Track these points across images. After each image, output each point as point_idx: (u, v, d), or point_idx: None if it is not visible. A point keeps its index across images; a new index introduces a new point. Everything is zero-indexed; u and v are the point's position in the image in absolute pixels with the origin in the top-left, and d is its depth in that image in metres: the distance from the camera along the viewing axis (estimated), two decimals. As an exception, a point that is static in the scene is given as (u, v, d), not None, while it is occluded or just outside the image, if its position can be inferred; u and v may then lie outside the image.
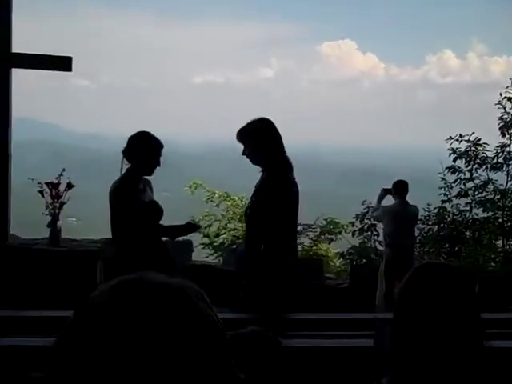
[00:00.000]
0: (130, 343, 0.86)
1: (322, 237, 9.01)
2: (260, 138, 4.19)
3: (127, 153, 4.40)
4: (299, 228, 8.66)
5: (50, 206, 6.38)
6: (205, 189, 9.55)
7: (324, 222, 9.12)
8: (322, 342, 3.30)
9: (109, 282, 0.95)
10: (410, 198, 7.29)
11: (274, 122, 4.28)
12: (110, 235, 4.76)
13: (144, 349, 0.86)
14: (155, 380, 0.86)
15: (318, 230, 9.03)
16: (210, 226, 9.19)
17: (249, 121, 4.29)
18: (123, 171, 4.41)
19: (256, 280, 4.15)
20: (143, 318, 0.88)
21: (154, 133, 4.50)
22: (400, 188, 7.22)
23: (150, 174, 4.52)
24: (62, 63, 6.40)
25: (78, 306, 0.93)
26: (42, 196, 6.40)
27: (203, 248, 9.07)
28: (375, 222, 8.51)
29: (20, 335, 3.01)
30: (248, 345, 1.95)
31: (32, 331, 3.20)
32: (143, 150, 4.36)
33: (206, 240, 9.12)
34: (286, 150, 4.23)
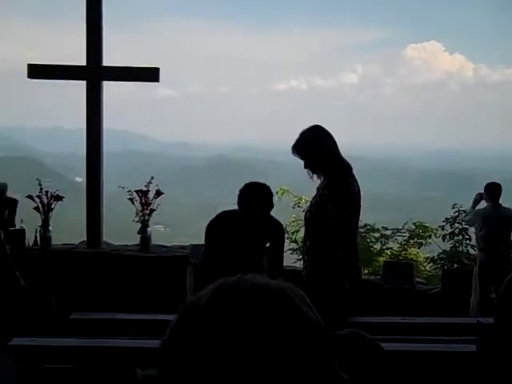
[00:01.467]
0: (234, 345, 0.88)
1: (411, 241, 8.82)
2: (312, 147, 4.21)
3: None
4: (388, 232, 8.52)
5: (140, 213, 6.54)
6: (291, 194, 9.54)
7: (413, 227, 8.92)
8: (422, 347, 3.23)
9: (211, 284, 0.96)
10: (507, 201, 7.03)
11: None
12: (198, 242, 4.80)
13: (247, 350, 0.87)
14: (259, 381, 0.87)
15: (407, 234, 8.85)
16: (297, 231, 9.14)
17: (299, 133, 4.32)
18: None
19: (315, 284, 4.13)
20: (246, 320, 0.89)
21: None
22: (492, 190, 6.97)
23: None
24: (150, 74, 6.57)
25: (182, 308, 0.95)
26: (132, 203, 6.57)
27: (291, 253, 9.04)
28: (466, 226, 8.26)
29: (117, 336, 3.09)
30: (345, 346, 1.93)
31: (123, 333, 3.27)
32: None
33: (294, 245, 9.09)
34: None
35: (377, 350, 2.00)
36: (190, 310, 0.94)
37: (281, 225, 4.41)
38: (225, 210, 4.40)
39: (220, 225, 4.26)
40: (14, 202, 6.42)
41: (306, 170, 4.31)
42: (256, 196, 4.08)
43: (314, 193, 4.40)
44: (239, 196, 4.13)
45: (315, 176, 4.31)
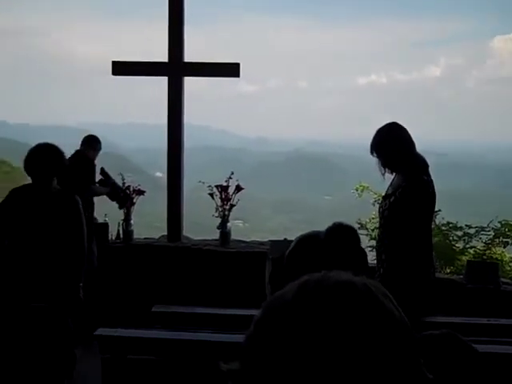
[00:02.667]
0: (319, 340, 0.88)
1: (497, 240, 8.53)
2: (389, 145, 4.15)
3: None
4: (471, 230, 8.27)
5: (220, 209, 6.59)
6: (371, 191, 9.39)
7: (498, 225, 8.62)
8: (508, 349, 3.11)
9: (296, 280, 0.97)
10: None
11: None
12: (275, 237, 4.76)
13: (333, 346, 0.87)
14: (345, 379, 0.86)
15: (492, 232, 8.56)
16: (377, 228, 9.01)
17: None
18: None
19: (393, 283, 4.04)
20: (332, 316, 0.89)
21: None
22: None
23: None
24: (231, 69, 6.60)
25: (267, 303, 0.96)
26: (213, 198, 6.63)
27: (371, 251, 8.92)
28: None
29: (197, 330, 3.11)
30: (440, 347, 1.88)
31: (203, 326, 3.29)
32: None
33: (373, 243, 8.97)
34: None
35: (471, 352, 1.94)
36: (275, 305, 0.95)
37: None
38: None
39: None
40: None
41: (378, 166, 4.25)
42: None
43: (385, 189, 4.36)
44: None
45: (387, 173, 4.26)
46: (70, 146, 6.39)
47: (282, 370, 0.89)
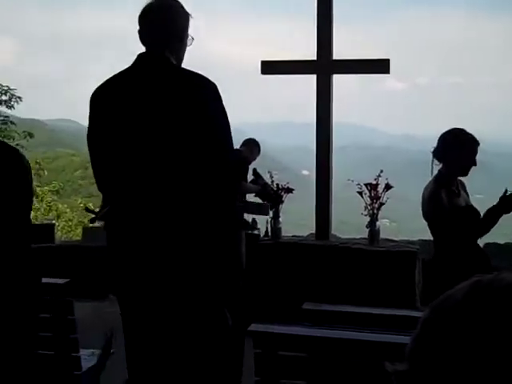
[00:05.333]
0: (491, 342, 0.87)
1: None
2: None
3: (438, 152, 4.24)
4: None
5: (369, 207, 6.52)
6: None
7: None
8: None
9: (466, 280, 0.97)
10: None
11: None
12: (424, 237, 4.63)
13: (504, 349, 0.86)
14: None
15: None
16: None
17: None
18: (434, 173, 4.28)
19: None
20: (503, 318, 0.89)
21: (472, 131, 4.29)
22: None
23: (465, 174, 4.32)
24: (381, 66, 6.49)
25: (435, 303, 0.97)
26: (362, 197, 6.57)
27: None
28: None
29: (347, 328, 3.10)
30: None
31: (352, 325, 3.27)
32: (457, 148, 4.18)
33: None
34: None
35: None
36: (445, 305, 0.95)
37: None
38: None
39: None
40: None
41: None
42: None
43: None
44: None
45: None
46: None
47: (452, 371, 0.89)
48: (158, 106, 2.80)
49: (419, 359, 0.94)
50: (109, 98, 2.92)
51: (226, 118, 2.89)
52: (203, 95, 2.83)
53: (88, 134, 2.98)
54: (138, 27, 2.95)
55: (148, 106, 2.82)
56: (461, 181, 4.37)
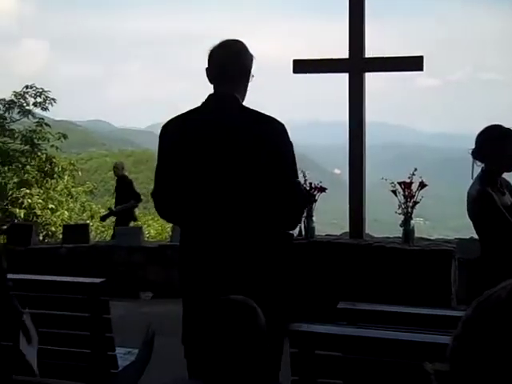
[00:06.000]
0: None
1: None
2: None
3: (478, 152, 4.15)
4: None
5: (403, 206, 6.47)
6: None
7: None
8: None
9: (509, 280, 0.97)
10: None
11: None
12: (459, 236, 4.54)
13: None
14: None
15: None
16: None
17: None
18: (476, 172, 4.20)
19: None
20: None
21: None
22: None
23: (510, 170, 4.23)
24: (414, 63, 6.43)
25: (477, 303, 0.96)
26: (395, 195, 6.51)
27: None
28: None
29: (382, 328, 3.08)
30: None
31: (387, 324, 3.25)
32: (497, 144, 4.09)
33: None
34: None
35: None
36: (488, 305, 0.94)
37: None
38: None
39: None
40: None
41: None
42: None
43: None
44: None
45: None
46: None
47: (496, 371, 0.88)
48: (230, 144, 2.98)
49: (461, 359, 0.93)
50: (182, 133, 3.08)
51: (294, 158, 3.10)
52: (278, 137, 3.04)
53: (158, 165, 3.16)
54: (206, 65, 3.13)
55: (220, 143, 2.99)
56: (504, 179, 4.29)
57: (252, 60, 3.16)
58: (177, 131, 3.12)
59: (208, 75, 3.13)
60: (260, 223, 3.02)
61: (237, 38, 3.18)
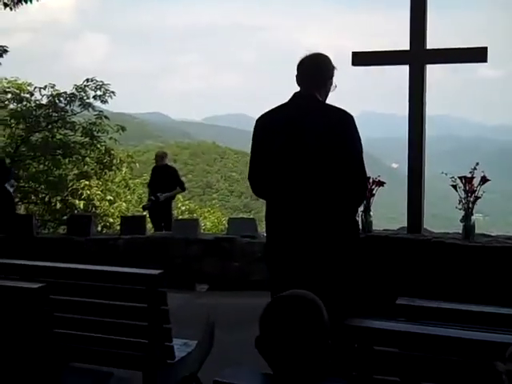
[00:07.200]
0: None
1: None
2: None
3: None
4: None
5: (464, 201, 6.32)
6: None
7: None
8: None
9: None
10: None
11: None
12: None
13: None
14: None
15: None
16: None
17: None
18: None
19: None
20: None
21: None
22: None
23: None
24: (477, 54, 6.23)
25: None
26: (456, 190, 6.36)
27: None
28: None
29: (442, 325, 3.00)
30: None
31: (446, 322, 3.18)
32: None
33: None
34: None
35: None
36: None
37: None
38: None
39: None
40: None
41: None
42: None
43: None
44: None
45: None
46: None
47: None
48: (310, 133, 3.62)
49: None
50: (272, 124, 3.79)
51: (361, 144, 3.70)
52: (345, 125, 3.66)
53: (252, 150, 3.87)
54: (295, 72, 3.86)
55: (302, 132, 3.64)
56: None
57: (333, 70, 3.88)
58: (266, 124, 3.82)
59: (297, 80, 3.83)
60: (331, 201, 3.62)
61: (322, 52, 3.89)
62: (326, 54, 3.93)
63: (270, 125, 3.81)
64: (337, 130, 3.61)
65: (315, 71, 3.82)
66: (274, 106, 3.90)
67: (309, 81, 3.80)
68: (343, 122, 3.67)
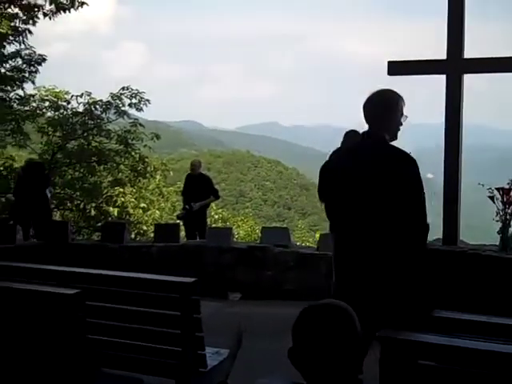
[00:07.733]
0: None
1: None
2: None
3: None
4: None
5: (501, 212, 6.22)
6: None
7: None
8: None
9: None
10: None
11: None
12: None
13: None
14: None
15: None
16: None
17: None
18: None
19: None
20: None
21: None
22: None
23: None
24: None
25: None
26: (493, 201, 6.27)
27: None
28: None
29: (477, 338, 2.95)
30: None
31: (482, 335, 3.12)
32: None
33: None
34: None
35: None
36: None
37: None
38: None
39: None
40: None
41: None
42: None
43: None
44: None
45: None
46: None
47: None
48: (375, 175, 3.72)
49: None
50: (338, 172, 3.91)
51: (424, 193, 3.77)
52: (406, 169, 3.73)
53: (319, 190, 4.04)
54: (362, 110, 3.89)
55: (368, 173, 3.74)
56: None
57: (402, 104, 3.88)
58: (335, 166, 3.98)
59: (364, 116, 3.87)
60: (391, 239, 3.74)
61: (390, 88, 3.94)
62: (393, 90, 3.92)
63: (336, 172, 3.93)
64: (401, 181, 3.71)
65: (384, 111, 3.84)
66: (343, 149, 4.33)
67: (378, 120, 3.83)
68: (408, 171, 3.74)
